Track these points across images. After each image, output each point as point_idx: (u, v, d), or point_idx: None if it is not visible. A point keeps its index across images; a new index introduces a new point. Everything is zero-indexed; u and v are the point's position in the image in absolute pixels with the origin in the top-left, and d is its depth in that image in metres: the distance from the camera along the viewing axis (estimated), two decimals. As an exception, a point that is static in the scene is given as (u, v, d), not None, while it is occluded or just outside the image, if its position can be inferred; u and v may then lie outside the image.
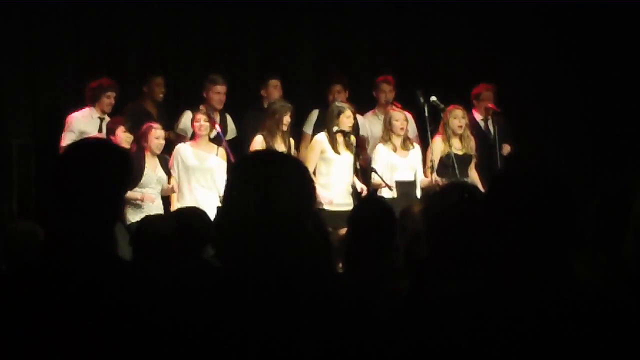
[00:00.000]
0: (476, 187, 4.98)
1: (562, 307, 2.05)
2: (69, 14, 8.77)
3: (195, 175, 7.86)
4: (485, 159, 8.33)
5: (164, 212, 7.49)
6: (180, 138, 8.25)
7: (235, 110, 8.73)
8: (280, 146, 7.74)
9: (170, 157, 7.91)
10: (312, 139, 8.13)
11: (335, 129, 7.82)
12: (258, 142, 7.82)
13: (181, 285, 2.23)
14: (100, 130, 7.88)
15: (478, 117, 8.67)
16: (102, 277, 2.23)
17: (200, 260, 4.49)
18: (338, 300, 2.15)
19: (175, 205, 7.62)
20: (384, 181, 7.81)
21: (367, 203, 5.42)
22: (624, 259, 2.98)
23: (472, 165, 8.26)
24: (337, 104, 8.07)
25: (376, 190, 7.97)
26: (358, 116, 8.30)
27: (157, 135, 7.72)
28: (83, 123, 7.90)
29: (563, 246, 2.12)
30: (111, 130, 7.72)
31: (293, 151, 7.95)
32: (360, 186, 7.87)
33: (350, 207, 7.25)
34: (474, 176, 8.20)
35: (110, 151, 2.42)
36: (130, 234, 5.97)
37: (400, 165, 8.09)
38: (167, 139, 8.00)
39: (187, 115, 8.21)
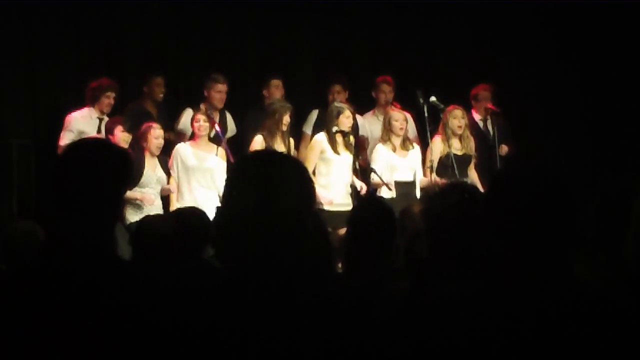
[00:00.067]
0: (476, 188, 4.98)
1: (562, 307, 2.05)
2: (69, 14, 8.78)
3: (195, 175, 7.86)
4: (485, 159, 8.33)
5: (164, 212, 7.50)
6: (180, 136, 8.25)
7: (235, 110, 8.73)
8: (280, 146, 7.74)
9: (170, 157, 7.92)
10: (311, 139, 8.14)
11: (334, 129, 7.82)
12: (258, 142, 7.82)
13: (181, 285, 2.23)
14: (99, 131, 7.88)
15: (477, 117, 8.68)
16: (102, 277, 2.22)
17: (200, 260, 4.49)
18: (338, 300, 2.15)
19: (174, 205, 7.62)
20: (382, 180, 7.81)
21: (367, 203, 5.41)
22: (624, 259, 2.98)
23: (472, 165, 8.26)
24: (337, 104, 8.07)
25: (376, 190, 7.98)
26: (358, 116, 8.31)
27: (156, 135, 7.73)
28: (82, 123, 7.90)
29: (563, 246, 2.12)
30: (110, 129, 7.73)
31: (293, 151, 7.95)
32: (360, 184, 7.87)
33: (349, 208, 7.26)
34: (473, 176, 8.20)
35: (109, 151, 2.41)
36: (129, 233, 5.97)
37: (400, 166, 8.09)
38: (166, 140, 8.00)
39: (188, 113, 8.23)
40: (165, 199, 7.85)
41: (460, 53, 9.75)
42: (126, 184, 2.45)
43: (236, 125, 8.64)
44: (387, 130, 8.12)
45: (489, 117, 8.63)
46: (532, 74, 9.74)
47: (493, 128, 8.50)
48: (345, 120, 7.85)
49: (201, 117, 7.93)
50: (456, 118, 8.09)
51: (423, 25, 9.90)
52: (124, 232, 6.61)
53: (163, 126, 7.92)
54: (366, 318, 2.17)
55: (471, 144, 8.21)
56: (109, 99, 7.98)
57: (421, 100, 8.09)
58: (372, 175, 7.94)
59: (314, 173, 7.68)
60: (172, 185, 7.83)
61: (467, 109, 8.43)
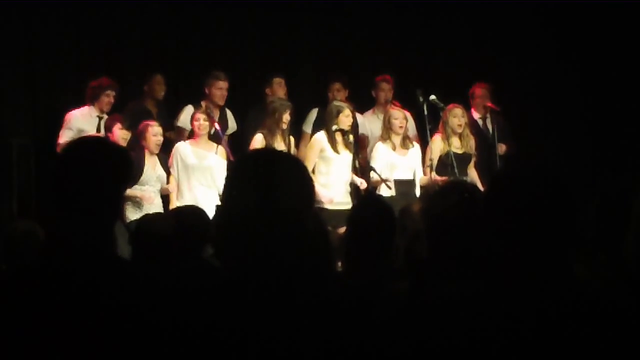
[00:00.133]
0: (476, 187, 4.96)
1: (562, 307, 2.05)
2: (69, 14, 8.78)
3: (195, 173, 7.86)
4: (484, 157, 8.33)
5: (164, 210, 7.49)
6: (180, 133, 8.25)
7: (236, 111, 8.73)
8: (280, 144, 7.74)
9: (170, 156, 7.92)
10: (311, 137, 8.14)
11: (334, 128, 7.81)
12: (258, 141, 7.82)
13: (181, 285, 2.23)
14: (98, 130, 7.89)
15: (476, 115, 8.68)
16: (102, 277, 2.22)
17: (199, 259, 4.49)
18: (338, 300, 2.15)
19: (174, 204, 7.61)
20: (381, 178, 7.80)
21: (367, 203, 5.40)
22: (624, 259, 2.97)
23: (472, 164, 8.26)
24: (336, 103, 8.07)
25: (375, 188, 7.98)
26: (357, 115, 8.31)
27: (154, 132, 7.73)
28: (81, 121, 7.91)
29: (563, 246, 2.12)
30: (108, 127, 7.73)
31: (293, 150, 7.96)
32: (360, 180, 7.87)
33: (349, 206, 7.26)
34: (473, 175, 8.20)
35: (109, 150, 2.41)
36: (129, 232, 5.97)
37: (400, 164, 8.09)
38: (167, 138, 8.00)
39: (188, 110, 8.22)
40: (165, 197, 7.85)
41: (460, 53, 9.74)
42: (126, 182, 2.45)
43: (237, 122, 8.64)
44: (387, 129, 8.12)
45: (488, 115, 8.63)
46: (532, 74, 9.73)
47: (492, 127, 8.50)
48: (345, 119, 7.84)
49: (201, 116, 7.93)
50: (456, 117, 8.08)
51: (423, 25, 9.90)
52: (123, 231, 6.60)
53: (163, 125, 7.92)
54: (366, 318, 2.17)
55: (471, 142, 8.21)
56: (108, 98, 7.99)
57: (421, 99, 8.10)
58: (372, 173, 7.94)
59: (313, 172, 7.68)
60: (172, 185, 7.84)
61: (467, 108, 8.43)
